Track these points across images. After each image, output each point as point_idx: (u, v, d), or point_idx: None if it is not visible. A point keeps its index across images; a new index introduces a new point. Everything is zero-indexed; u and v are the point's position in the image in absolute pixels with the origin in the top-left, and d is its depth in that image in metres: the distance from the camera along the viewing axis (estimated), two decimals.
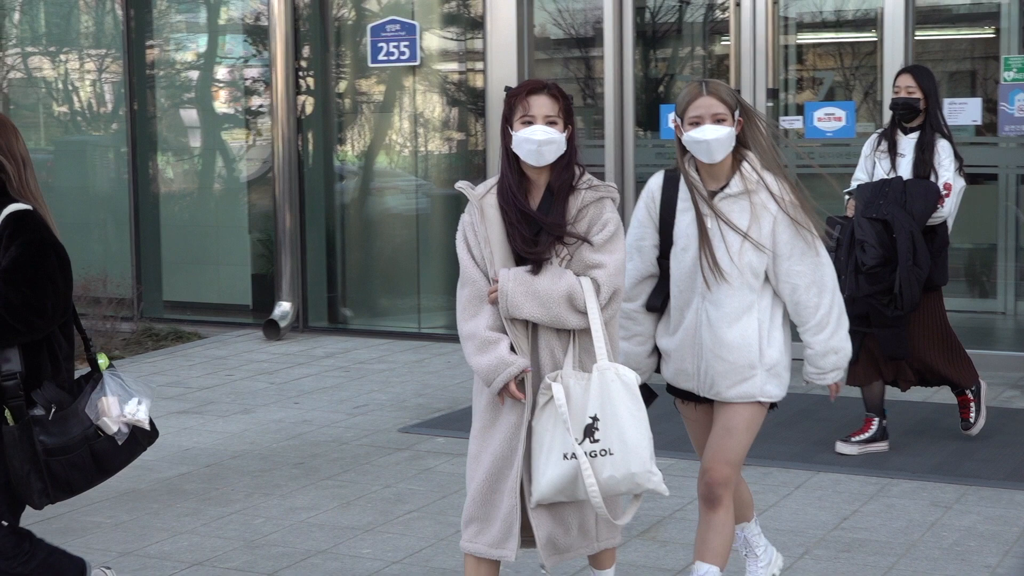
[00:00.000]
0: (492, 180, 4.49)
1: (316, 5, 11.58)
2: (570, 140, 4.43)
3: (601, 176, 9.23)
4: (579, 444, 4.27)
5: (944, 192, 7.12)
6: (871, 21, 10.30)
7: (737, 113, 4.61)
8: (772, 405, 4.82)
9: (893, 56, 9.27)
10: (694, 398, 4.82)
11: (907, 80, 7.24)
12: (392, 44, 11.03)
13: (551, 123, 4.37)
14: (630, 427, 4.30)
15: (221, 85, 12.63)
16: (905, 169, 7.20)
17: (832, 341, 4.71)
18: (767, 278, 4.68)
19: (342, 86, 11.86)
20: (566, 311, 4.32)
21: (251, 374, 9.88)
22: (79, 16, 13.09)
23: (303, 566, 5.79)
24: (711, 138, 4.54)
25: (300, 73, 11.62)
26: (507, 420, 4.44)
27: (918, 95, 7.19)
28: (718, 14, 10.58)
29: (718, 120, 4.56)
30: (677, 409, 4.96)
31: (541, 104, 4.39)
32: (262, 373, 9.91)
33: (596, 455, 4.29)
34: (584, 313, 4.33)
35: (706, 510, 4.73)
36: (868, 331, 7.20)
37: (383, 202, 11.91)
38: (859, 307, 7.10)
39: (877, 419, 7.33)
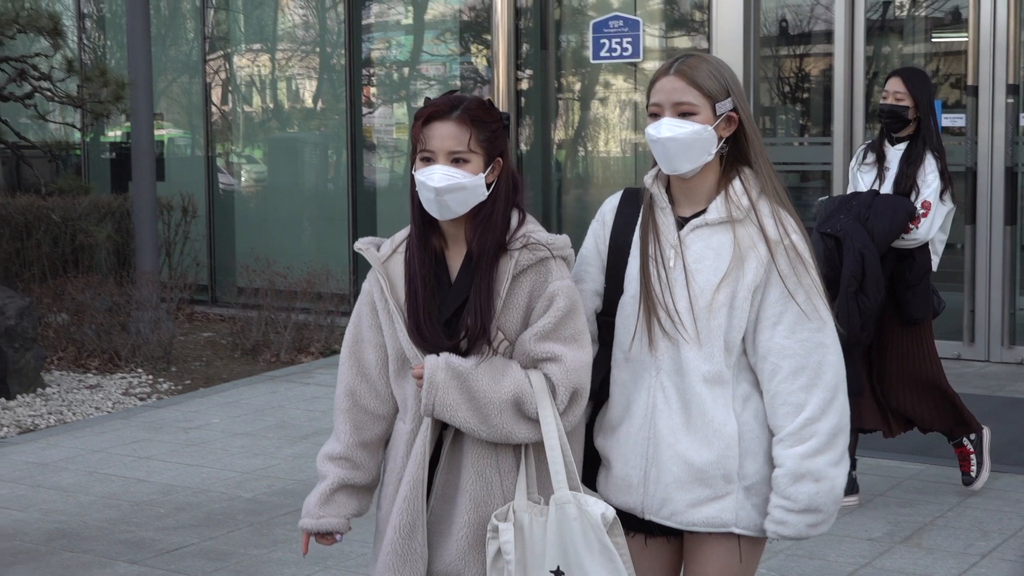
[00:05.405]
0: (402, 233, 3.23)
1: (537, 1, 11.60)
2: (498, 183, 3.12)
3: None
4: None
5: (921, 212, 6.18)
6: None
7: (727, 106, 3.17)
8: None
9: None
10: (643, 528, 3.29)
11: (896, 85, 6.29)
12: (615, 40, 10.99)
13: (458, 161, 3.06)
14: None
15: (436, 82, 12.73)
16: (889, 185, 6.30)
17: (812, 461, 3.10)
18: (745, 351, 3.19)
19: (560, 82, 11.86)
20: (513, 421, 3.05)
21: None
22: (294, 14, 13.30)
23: None
24: (665, 136, 3.13)
25: (519, 69, 11.65)
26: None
27: (907, 102, 6.25)
28: (952, 5, 10.33)
29: (684, 113, 3.14)
30: None
31: (444, 135, 3.06)
32: None
33: None
34: (537, 421, 3.07)
35: None
36: None
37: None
38: None
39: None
